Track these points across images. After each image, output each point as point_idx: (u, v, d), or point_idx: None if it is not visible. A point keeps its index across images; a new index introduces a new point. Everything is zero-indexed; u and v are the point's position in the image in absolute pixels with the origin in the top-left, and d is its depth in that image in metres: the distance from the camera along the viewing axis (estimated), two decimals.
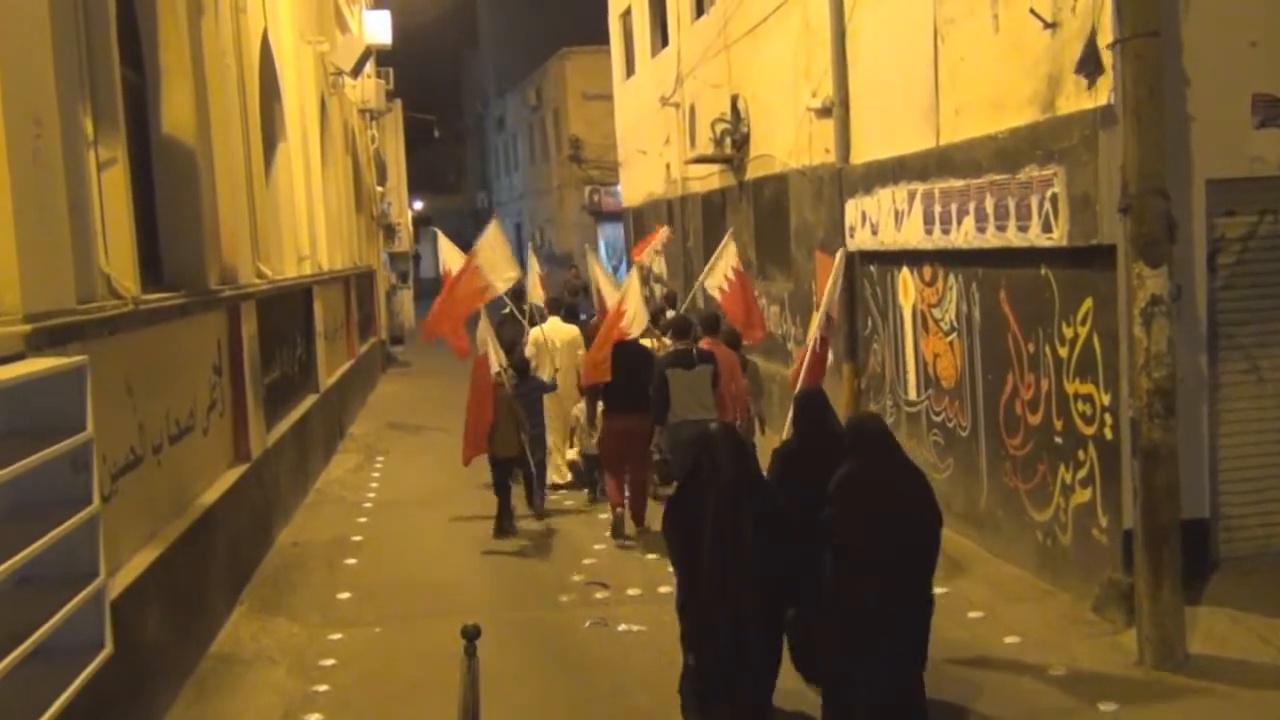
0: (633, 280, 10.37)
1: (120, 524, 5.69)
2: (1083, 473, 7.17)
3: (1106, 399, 6.89)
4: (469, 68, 56.09)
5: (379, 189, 25.64)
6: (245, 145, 9.49)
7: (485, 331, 10.05)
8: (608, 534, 9.57)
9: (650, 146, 20.17)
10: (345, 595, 8.23)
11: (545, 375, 11.20)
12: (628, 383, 9.46)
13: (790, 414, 7.14)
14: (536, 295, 12.88)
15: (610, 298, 11.10)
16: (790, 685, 5.87)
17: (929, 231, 8.82)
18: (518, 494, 10.22)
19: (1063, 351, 7.32)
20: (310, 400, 12.24)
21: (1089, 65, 6.63)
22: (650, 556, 8.80)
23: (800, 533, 5.47)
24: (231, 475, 8.19)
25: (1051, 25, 7.18)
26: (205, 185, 7.98)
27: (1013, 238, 7.58)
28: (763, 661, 5.52)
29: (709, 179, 16.45)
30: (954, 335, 8.81)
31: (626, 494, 9.71)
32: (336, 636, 7.37)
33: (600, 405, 10.07)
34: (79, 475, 4.51)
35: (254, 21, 10.35)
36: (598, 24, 25.35)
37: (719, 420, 7.49)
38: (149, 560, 6.00)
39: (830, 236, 11.12)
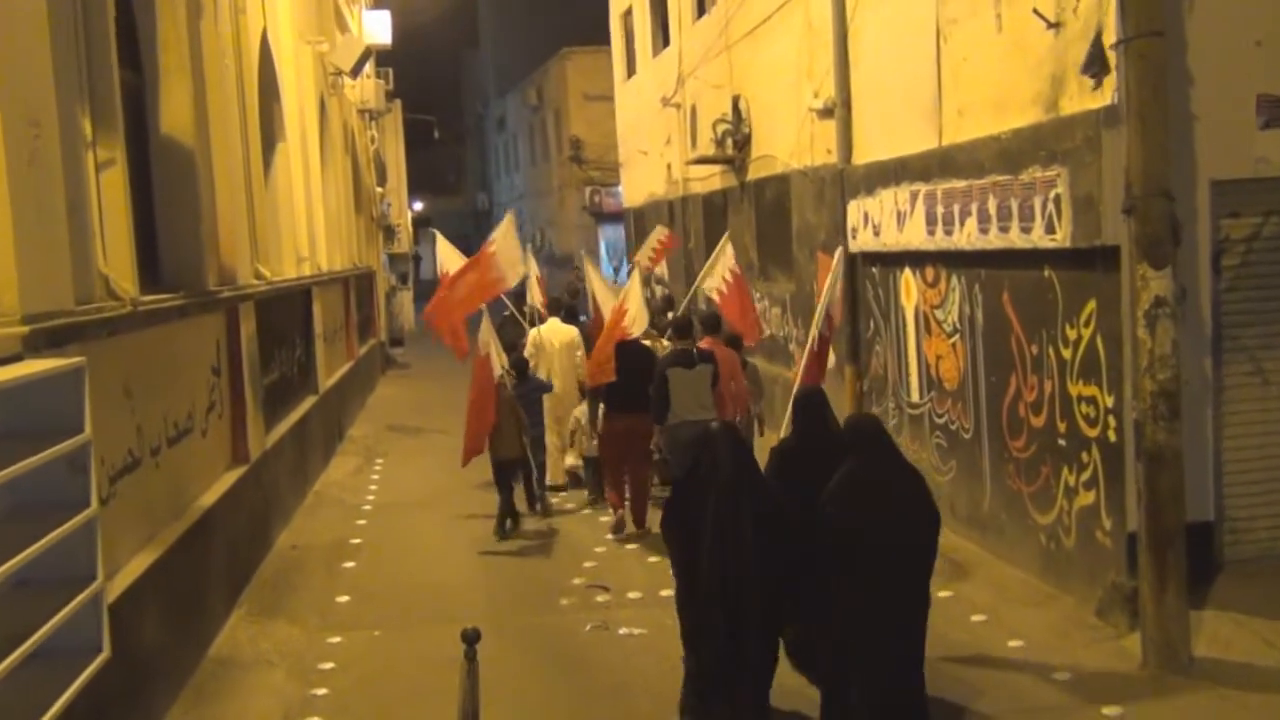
0: (634, 281, 10.39)
1: (118, 526, 5.67)
2: (1086, 475, 7.14)
3: (1110, 401, 6.86)
4: (469, 68, 56.06)
5: (378, 190, 25.61)
6: (244, 146, 9.46)
7: (487, 333, 10.05)
8: (609, 536, 9.56)
9: (651, 147, 20.15)
10: (344, 598, 8.20)
11: (543, 376, 11.20)
12: (628, 383, 9.45)
13: (789, 412, 7.12)
14: (535, 297, 12.87)
15: (605, 304, 11.03)
16: (788, 683, 5.86)
17: (931, 232, 8.79)
18: (519, 495, 10.22)
19: (1066, 353, 7.28)
20: (309, 402, 12.21)
21: (1095, 65, 6.59)
22: (652, 559, 8.76)
23: (799, 532, 5.46)
24: (230, 477, 8.15)
25: (1055, 25, 7.15)
26: (204, 186, 7.95)
27: (1016, 239, 7.55)
28: (762, 661, 5.52)
29: (710, 180, 16.42)
30: (956, 337, 8.78)
31: (627, 495, 9.74)
32: (335, 640, 7.33)
33: (601, 406, 10.05)
34: (77, 477, 4.49)
35: (253, 22, 10.32)
36: (598, 24, 25.34)
37: (719, 419, 7.46)
38: (147, 563, 5.97)
39: (832, 238, 11.08)
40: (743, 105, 14.42)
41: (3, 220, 4.55)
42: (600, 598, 8.02)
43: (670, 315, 12.02)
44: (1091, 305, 6.99)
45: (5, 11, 4.70)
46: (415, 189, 41.00)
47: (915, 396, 9.67)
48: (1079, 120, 6.87)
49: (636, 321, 9.90)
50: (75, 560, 4.45)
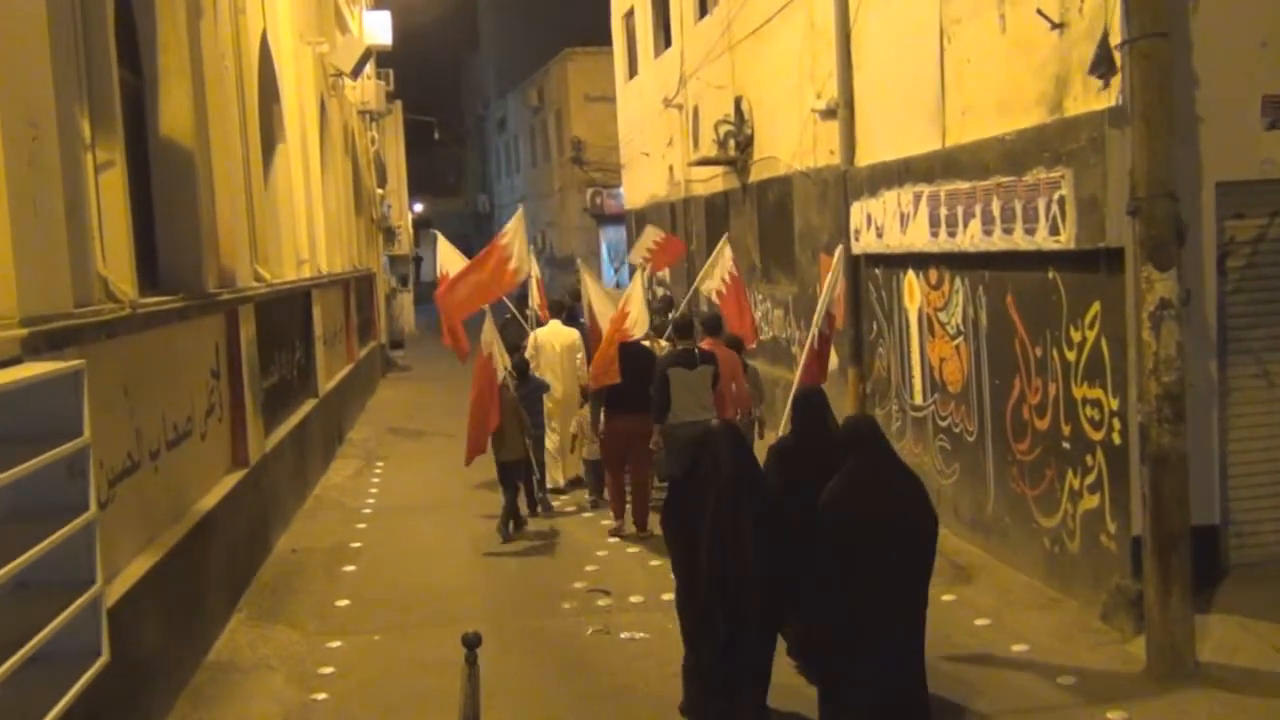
0: (636, 283, 10.38)
1: (117, 530, 5.65)
2: (1091, 478, 7.10)
3: (1115, 404, 6.82)
4: (469, 69, 56.05)
5: (379, 191, 25.60)
6: (244, 147, 9.44)
7: (490, 333, 10.04)
8: (611, 539, 9.54)
9: (653, 148, 20.12)
10: (344, 602, 8.16)
11: (544, 378, 11.18)
12: (629, 384, 9.48)
13: (787, 411, 7.10)
14: (535, 299, 12.86)
15: (602, 313, 10.92)
16: (788, 683, 5.84)
17: (935, 234, 8.75)
18: (521, 496, 10.19)
19: (1070, 355, 7.25)
20: (309, 405, 12.18)
21: (1102, 66, 6.55)
22: (654, 562, 8.73)
23: (798, 531, 5.46)
24: (229, 481, 8.12)
25: (1059, 25, 7.12)
26: (203, 188, 7.93)
27: (1019, 240, 7.51)
28: (762, 660, 5.53)
29: (712, 181, 16.39)
30: (960, 339, 8.74)
31: (629, 499, 9.75)
32: (335, 644, 7.30)
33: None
34: (76, 481, 4.47)
35: (253, 22, 10.29)
36: (600, 25, 25.31)
37: (720, 418, 7.45)
38: (146, 567, 5.95)
39: (835, 239, 11.04)
40: (745, 106, 14.39)
41: (1, 222, 4.53)
42: (602, 601, 7.99)
43: (670, 316, 12.00)
44: (1096, 307, 6.96)
45: (4, 12, 4.68)
46: (415, 190, 41.03)
47: (919, 399, 9.63)
48: (1083, 121, 6.84)
49: (638, 323, 9.95)
50: (74, 564, 4.43)
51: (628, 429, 9.52)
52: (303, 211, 12.90)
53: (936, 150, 8.87)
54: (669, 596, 7.07)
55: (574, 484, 11.36)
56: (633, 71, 22.60)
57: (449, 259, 12.40)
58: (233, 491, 8.02)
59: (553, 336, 11.47)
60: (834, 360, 9.87)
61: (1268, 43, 6.72)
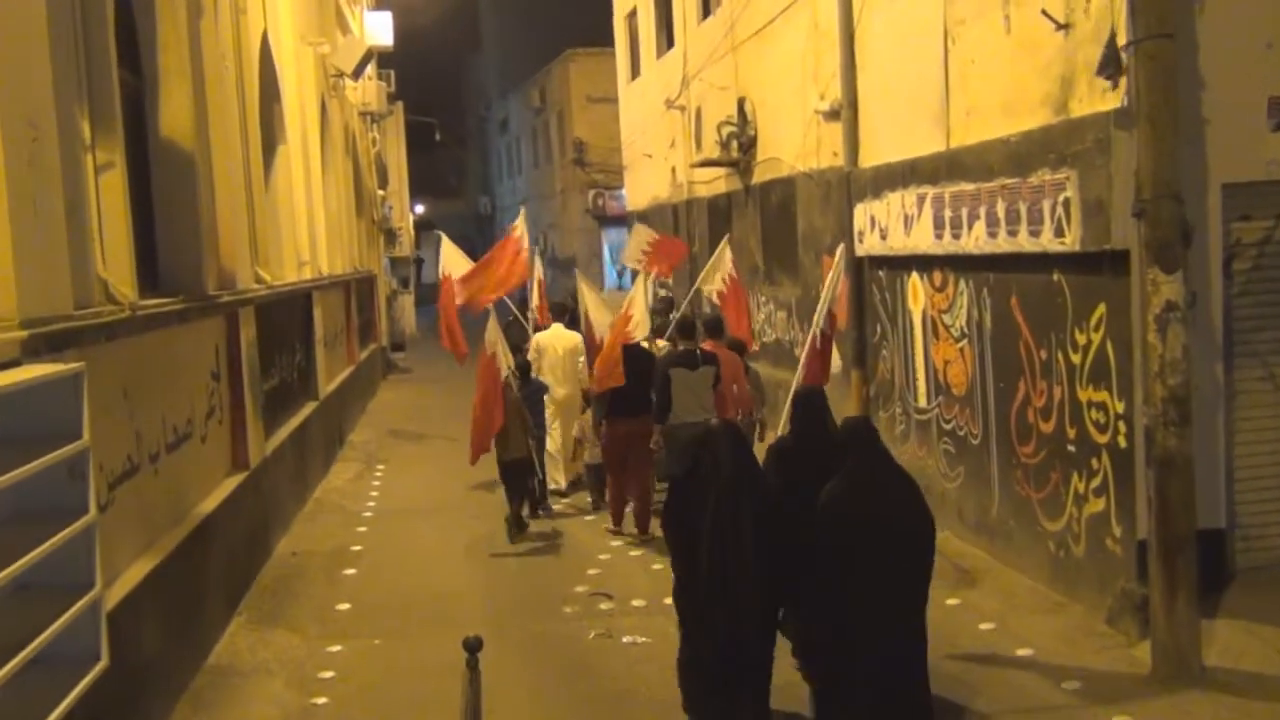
0: (639, 286, 10.35)
1: (117, 533, 5.63)
2: (1096, 482, 7.06)
3: (1120, 407, 6.78)
4: (471, 69, 56.01)
5: (380, 193, 25.58)
6: (244, 148, 9.41)
7: (494, 333, 10.03)
8: (613, 542, 9.52)
9: (655, 150, 20.08)
10: (345, 606, 8.13)
11: (547, 381, 11.17)
12: (630, 386, 9.46)
13: (786, 411, 7.07)
14: (535, 300, 12.84)
15: (598, 322, 10.82)
16: (786, 681, 5.82)
17: (939, 236, 8.72)
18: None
19: (1075, 358, 7.21)
20: (310, 407, 12.16)
21: (1110, 67, 6.51)
22: (656, 566, 8.70)
23: (797, 532, 5.45)
24: (230, 484, 8.10)
25: (1064, 26, 7.09)
26: (203, 189, 7.90)
27: (1024, 242, 7.48)
28: (762, 659, 5.52)
29: (715, 183, 16.35)
30: (965, 341, 8.71)
31: (630, 502, 9.75)
32: (336, 648, 7.27)
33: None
34: (75, 484, 4.45)
35: (254, 23, 10.27)
36: (602, 25, 25.26)
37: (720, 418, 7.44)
38: (146, 570, 5.92)
39: (838, 242, 11.00)
40: (748, 107, 14.36)
41: (1, 223, 4.50)
42: (604, 605, 7.95)
43: (671, 317, 12.00)
44: (1101, 310, 6.92)
45: (4, 13, 4.66)
46: (417, 192, 41.02)
47: (923, 401, 9.60)
48: (1088, 123, 6.81)
49: (639, 326, 9.92)
50: (74, 567, 4.41)
51: (629, 431, 9.51)
52: (303, 213, 12.88)
53: (941, 152, 8.84)
54: (671, 600, 7.05)
55: (575, 485, 11.33)
56: (635, 72, 22.56)
57: (452, 260, 12.38)
58: (233, 494, 7.99)
59: (555, 340, 11.44)
60: (837, 362, 9.83)
61: (1273, 44, 6.69)
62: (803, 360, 9.12)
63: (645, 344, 10.48)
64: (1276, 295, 6.89)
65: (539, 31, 41.09)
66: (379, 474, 13.00)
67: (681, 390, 9.10)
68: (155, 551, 6.22)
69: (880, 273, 10.34)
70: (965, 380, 8.74)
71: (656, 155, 20.02)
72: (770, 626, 5.59)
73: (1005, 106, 7.90)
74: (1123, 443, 6.78)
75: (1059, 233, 7.08)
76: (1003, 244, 7.75)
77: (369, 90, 20.93)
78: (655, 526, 9.15)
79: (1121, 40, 6.43)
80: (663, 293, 15.74)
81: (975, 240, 8.13)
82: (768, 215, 14.18)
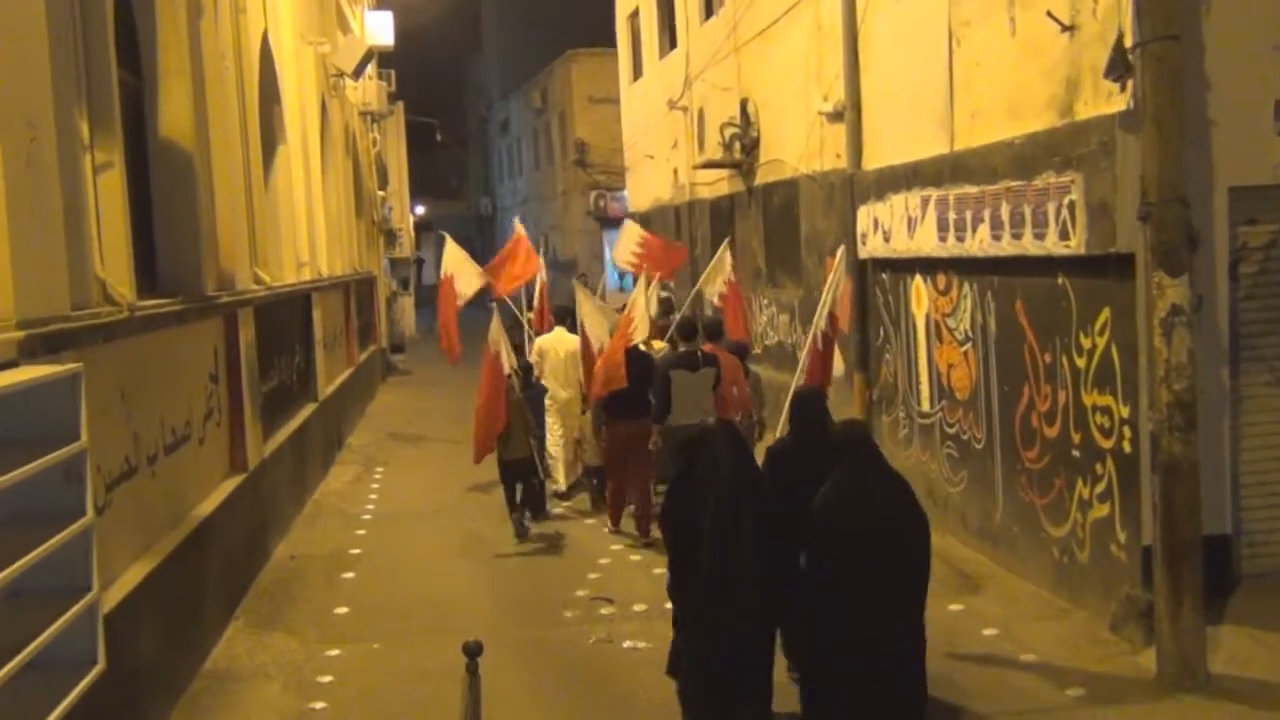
0: (639, 290, 10.32)
1: (114, 536, 5.60)
2: (1101, 487, 7.02)
3: (1125, 411, 6.74)
4: (472, 70, 56.04)
5: (380, 193, 25.56)
6: (244, 149, 9.38)
7: (497, 332, 10.00)
8: (614, 546, 9.48)
9: (657, 151, 20.06)
10: (343, 610, 8.09)
11: (549, 385, 11.16)
12: (630, 387, 9.43)
13: (785, 412, 7.04)
14: (535, 303, 12.84)
15: (594, 332, 10.71)
16: (785, 681, 5.82)
17: (943, 239, 8.68)
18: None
19: (1080, 362, 7.17)
20: (308, 409, 12.12)
21: (1118, 69, 6.46)
22: (657, 570, 8.62)
23: (794, 533, 5.44)
24: (228, 486, 8.06)
25: (1069, 28, 7.05)
26: (203, 189, 7.87)
27: (1029, 245, 7.44)
28: (762, 659, 5.51)
29: (717, 184, 16.32)
30: (968, 345, 8.67)
31: (630, 504, 9.74)
32: (334, 652, 7.23)
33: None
34: (72, 486, 4.43)
35: (254, 22, 10.23)
36: (604, 26, 25.25)
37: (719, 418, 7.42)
38: (143, 573, 5.89)
39: (841, 244, 10.96)
40: (751, 108, 14.33)
41: None
42: (604, 610, 7.91)
43: (672, 317, 11.98)
44: (1106, 313, 6.89)
45: (3, 12, 4.63)
46: (417, 193, 41.03)
47: (926, 406, 9.55)
48: (1094, 125, 6.77)
49: (639, 329, 9.89)
50: (70, 570, 4.37)
51: (629, 433, 9.48)
52: (303, 213, 12.84)
53: (945, 154, 8.80)
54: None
55: (575, 487, 11.30)
56: (637, 73, 22.54)
57: (454, 261, 12.35)
58: (231, 497, 7.95)
59: (557, 343, 11.39)
60: (840, 365, 9.79)
61: None
62: (803, 362, 9.12)
63: (643, 346, 10.44)
64: None
65: (540, 32, 41.07)
66: (378, 477, 12.95)
67: (681, 392, 9.09)
68: (153, 554, 6.19)
69: (883, 275, 10.30)
70: (969, 384, 8.70)
71: (658, 156, 20.00)
72: (771, 627, 5.58)
73: (1010, 109, 7.86)
74: (1127, 448, 6.74)
75: (1064, 236, 7.04)
76: (1007, 247, 7.71)
77: (369, 90, 20.92)
78: (656, 530, 9.13)
79: (1128, 42, 6.39)
80: (663, 294, 15.70)
81: (979, 243, 8.09)
82: (770, 217, 14.14)
